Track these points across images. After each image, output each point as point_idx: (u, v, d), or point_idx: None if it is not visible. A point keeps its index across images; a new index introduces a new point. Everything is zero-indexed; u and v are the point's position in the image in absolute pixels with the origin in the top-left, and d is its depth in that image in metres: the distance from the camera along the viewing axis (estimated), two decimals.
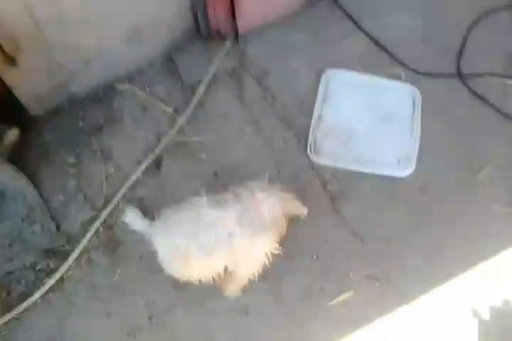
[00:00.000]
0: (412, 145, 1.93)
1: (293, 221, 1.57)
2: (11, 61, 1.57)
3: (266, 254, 1.47)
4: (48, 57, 1.73)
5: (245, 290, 1.58)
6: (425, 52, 2.12)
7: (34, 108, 1.84)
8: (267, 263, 1.47)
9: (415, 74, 2.10)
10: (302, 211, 1.61)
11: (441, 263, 1.69)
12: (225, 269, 1.44)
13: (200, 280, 1.46)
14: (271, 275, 1.58)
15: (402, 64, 2.14)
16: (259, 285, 1.59)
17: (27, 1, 1.47)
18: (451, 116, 2.01)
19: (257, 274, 1.50)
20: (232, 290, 1.59)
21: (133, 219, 1.54)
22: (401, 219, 1.78)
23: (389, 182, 1.85)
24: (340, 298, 1.63)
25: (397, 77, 2.10)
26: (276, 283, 1.63)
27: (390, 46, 2.15)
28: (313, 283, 1.65)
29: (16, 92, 1.76)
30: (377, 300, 1.63)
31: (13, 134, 1.64)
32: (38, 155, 1.78)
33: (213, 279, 1.49)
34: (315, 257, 1.70)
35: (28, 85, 1.78)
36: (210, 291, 1.55)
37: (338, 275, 1.67)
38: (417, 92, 2.04)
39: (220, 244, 1.40)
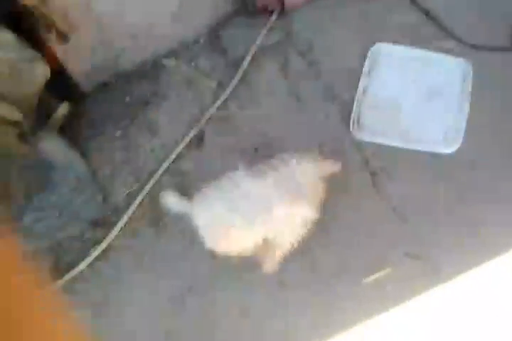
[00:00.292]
0: (459, 121, 1.90)
1: (331, 185, 1.59)
2: (65, 38, 1.66)
3: (305, 223, 1.49)
4: (98, 34, 1.81)
5: (281, 263, 1.62)
6: (480, 24, 2.06)
7: (84, 84, 1.94)
8: (305, 231, 1.49)
9: (468, 47, 2.04)
10: (336, 167, 1.66)
11: (484, 241, 1.66)
12: (265, 240, 1.48)
13: (239, 253, 1.51)
14: (307, 248, 1.62)
15: (454, 37, 2.09)
16: (295, 258, 1.63)
17: None
18: (504, 92, 1.95)
19: (296, 244, 1.53)
20: (271, 264, 1.63)
21: (171, 201, 1.60)
22: (445, 197, 1.77)
23: (434, 159, 1.84)
24: (377, 275, 1.65)
25: (448, 51, 2.04)
26: (312, 256, 1.67)
27: (442, 18, 2.09)
28: (350, 259, 1.68)
29: (69, 68, 1.85)
30: (415, 279, 1.65)
31: (63, 108, 1.74)
32: (87, 128, 1.88)
33: (252, 252, 1.53)
34: (353, 232, 1.71)
35: (79, 62, 1.87)
36: (248, 264, 1.61)
37: (375, 251, 1.69)
38: (469, 66, 1.99)
39: (259, 212, 1.45)
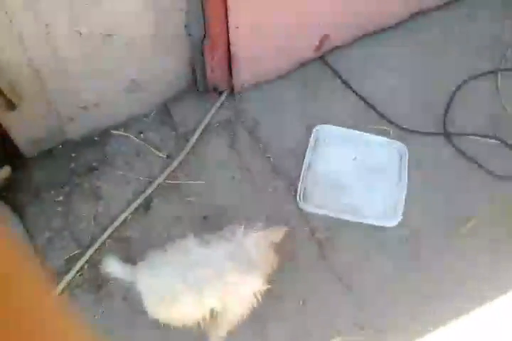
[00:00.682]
0: (398, 197, 2.04)
1: (280, 255, 1.61)
2: (11, 106, 1.70)
3: (255, 294, 1.49)
4: (47, 104, 1.88)
5: (231, 334, 1.57)
6: (412, 111, 2.30)
7: (27, 150, 1.95)
8: (254, 303, 1.48)
9: (402, 131, 2.26)
10: (281, 232, 1.69)
11: (429, 312, 1.71)
12: (212, 311, 1.45)
13: (184, 325, 1.47)
14: (257, 319, 1.59)
15: (389, 121, 2.31)
16: (245, 329, 1.59)
17: (29, 54, 1.62)
18: (437, 172, 2.14)
19: (245, 316, 1.51)
20: (218, 335, 1.58)
21: (113, 268, 1.57)
22: (388, 268, 1.84)
23: (376, 231, 1.93)
24: None
25: (385, 134, 2.24)
26: (263, 327, 1.64)
27: (378, 104, 2.32)
28: (300, 328, 1.66)
29: (12, 135, 1.87)
30: None
31: (4, 172, 1.72)
32: (28, 193, 1.86)
33: (198, 324, 1.49)
34: (301, 303, 1.73)
35: (25, 129, 1.91)
36: (194, 337, 1.54)
37: (325, 321, 1.70)
38: (404, 148, 2.18)
39: (208, 283, 1.43)
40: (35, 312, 0.29)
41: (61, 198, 1.89)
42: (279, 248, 1.64)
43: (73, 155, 2.02)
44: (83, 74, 1.83)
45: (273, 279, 1.59)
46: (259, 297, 1.52)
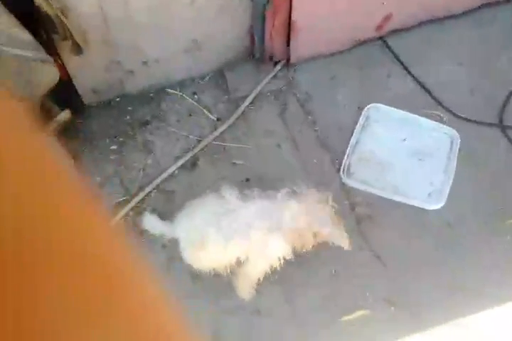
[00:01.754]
0: (444, 183, 2.04)
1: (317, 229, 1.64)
2: (78, 50, 1.78)
3: (279, 257, 1.53)
4: (110, 54, 1.95)
5: (260, 292, 1.64)
6: (469, 100, 2.29)
7: (89, 98, 2.05)
8: (277, 266, 1.53)
9: (457, 119, 2.25)
10: (343, 242, 1.62)
11: (461, 298, 1.73)
12: (238, 261, 1.52)
13: (214, 269, 1.54)
14: (288, 281, 1.65)
15: (445, 108, 2.30)
16: (275, 289, 1.66)
17: (101, 2, 1.70)
18: (487, 162, 2.13)
19: (270, 274, 1.56)
20: (244, 288, 1.65)
21: (152, 224, 1.65)
22: (425, 250, 1.86)
23: (418, 213, 1.95)
24: (354, 315, 1.68)
25: (439, 120, 2.24)
26: (292, 290, 1.70)
27: (435, 90, 2.32)
28: (329, 297, 1.71)
29: (76, 81, 1.96)
30: (391, 324, 1.67)
31: (65, 115, 1.82)
32: (84, 139, 1.96)
33: (226, 272, 1.56)
34: (334, 272, 1.76)
35: (88, 77, 1.99)
36: (225, 287, 1.62)
37: (355, 293, 1.73)
38: (457, 135, 2.18)
39: (238, 232, 1.49)
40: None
41: (114, 147, 1.98)
42: (316, 218, 1.66)
43: (129, 108, 2.11)
44: (148, 28, 1.90)
45: (305, 247, 1.62)
46: (282, 261, 1.56)
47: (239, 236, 1.51)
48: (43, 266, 0.19)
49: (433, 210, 1.98)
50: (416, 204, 1.99)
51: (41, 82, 1.71)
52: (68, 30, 1.71)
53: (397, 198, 2.00)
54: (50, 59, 1.70)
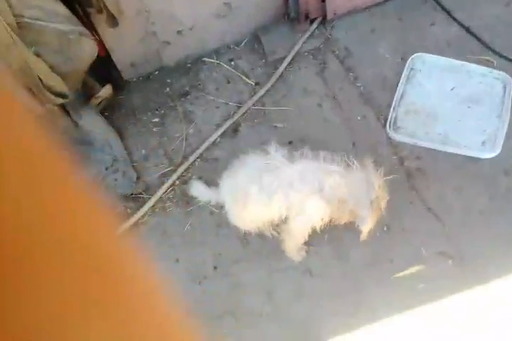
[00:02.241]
0: (499, 129, 1.93)
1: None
2: (113, 22, 1.79)
3: (319, 218, 1.50)
4: (145, 24, 1.94)
5: (309, 251, 1.62)
6: None
7: (128, 73, 2.06)
8: (317, 229, 1.50)
9: (508, 62, 2.10)
10: (364, 230, 1.52)
11: None
12: (280, 219, 1.50)
13: (258, 229, 1.53)
14: (338, 240, 1.63)
15: (494, 52, 2.15)
16: (325, 248, 1.64)
17: None
18: None
19: (314, 234, 1.54)
20: (292, 249, 1.63)
21: (199, 191, 1.65)
22: (480, 201, 1.78)
23: (471, 163, 1.85)
24: (409, 271, 1.63)
25: (488, 65, 2.11)
26: (343, 248, 1.68)
27: (482, 35, 2.17)
28: (382, 253, 1.67)
29: (114, 56, 1.98)
30: (449, 279, 1.62)
31: (106, 90, 1.85)
32: (126, 113, 1.98)
33: (270, 232, 1.55)
34: (385, 228, 1.72)
35: (124, 50, 2.00)
36: (274, 249, 1.62)
37: (408, 248, 1.68)
38: (509, 79, 2.05)
39: (279, 191, 1.46)
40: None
41: (157, 120, 2.01)
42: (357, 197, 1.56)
43: (168, 80, 2.11)
44: None
45: (338, 221, 1.57)
46: (325, 222, 1.53)
47: (280, 195, 1.48)
48: (46, 261, 0.19)
49: (487, 159, 1.88)
50: (469, 154, 1.89)
51: (81, 56, 1.73)
52: (102, 1, 1.71)
53: (448, 149, 1.91)
54: (87, 32, 1.73)
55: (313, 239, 1.63)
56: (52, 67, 1.62)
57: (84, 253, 0.21)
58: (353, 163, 1.52)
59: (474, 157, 1.89)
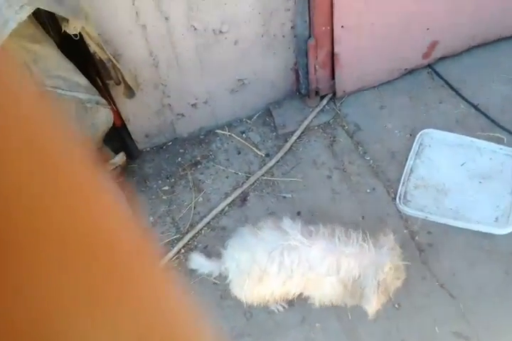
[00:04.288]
0: None
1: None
2: (131, 93, 1.85)
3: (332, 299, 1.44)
4: (161, 97, 2.01)
5: (316, 328, 1.52)
6: None
7: (142, 143, 2.10)
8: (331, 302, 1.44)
9: None
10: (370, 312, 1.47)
11: None
12: (294, 295, 1.43)
13: (262, 303, 1.46)
14: (347, 317, 1.53)
15: (504, 129, 2.15)
16: (334, 325, 1.54)
17: (150, 46, 1.76)
18: None
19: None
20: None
21: (199, 263, 1.61)
22: (495, 278, 1.69)
23: (484, 239, 1.79)
24: None
25: (498, 142, 2.10)
26: (353, 326, 1.57)
27: (490, 112, 2.19)
28: (393, 332, 1.57)
29: (129, 127, 2.02)
30: None
31: (120, 158, 1.86)
32: (138, 181, 1.99)
33: (277, 308, 1.48)
34: (397, 306, 1.62)
35: (140, 121, 2.06)
36: (279, 324, 1.52)
37: (422, 328, 1.58)
38: None
39: (299, 271, 1.41)
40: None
41: (167, 188, 2.00)
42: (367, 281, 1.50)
43: (181, 150, 2.14)
44: (195, 70, 1.95)
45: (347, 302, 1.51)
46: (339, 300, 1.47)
47: (299, 275, 1.43)
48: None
49: (500, 235, 1.81)
50: (482, 230, 1.83)
51: (97, 124, 1.77)
52: (121, 74, 1.78)
53: (460, 224, 1.85)
54: (104, 101, 1.78)
55: (320, 313, 1.54)
56: None
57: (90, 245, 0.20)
58: (368, 243, 1.47)
59: (488, 233, 1.82)
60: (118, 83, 1.79)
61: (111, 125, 1.81)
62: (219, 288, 1.69)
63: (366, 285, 1.38)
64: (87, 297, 0.19)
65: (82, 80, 1.67)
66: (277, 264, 1.42)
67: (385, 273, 1.37)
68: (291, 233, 1.46)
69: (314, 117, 2.26)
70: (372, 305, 1.38)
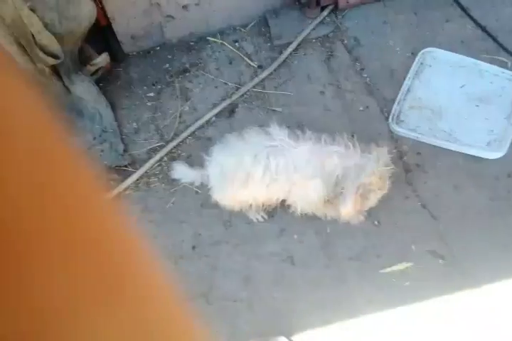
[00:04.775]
0: (507, 130, 1.82)
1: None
2: None
3: (316, 202, 1.41)
4: None
5: (293, 238, 1.52)
6: None
7: (128, 45, 1.98)
8: (317, 209, 1.41)
9: None
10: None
11: None
12: (277, 200, 1.41)
13: (243, 209, 1.44)
14: (325, 231, 1.52)
15: (509, 53, 2.04)
16: (311, 238, 1.53)
17: None
18: None
19: (303, 219, 1.45)
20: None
21: (182, 172, 1.57)
22: (478, 202, 1.67)
23: (473, 162, 1.75)
24: (396, 267, 1.53)
25: (502, 65, 2.00)
26: (330, 240, 1.57)
27: (497, 35, 2.06)
28: (370, 248, 1.57)
29: (115, 27, 1.89)
30: (437, 279, 1.51)
31: (103, 59, 1.76)
32: (122, 86, 1.90)
33: (257, 218, 1.46)
34: (377, 223, 1.61)
35: (126, 21, 1.92)
36: (257, 234, 1.51)
37: (398, 245, 1.58)
38: None
39: (284, 173, 1.37)
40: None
41: (152, 94, 1.91)
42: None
43: (169, 56, 2.02)
44: None
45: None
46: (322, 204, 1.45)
47: (283, 177, 1.39)
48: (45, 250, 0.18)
49: (491, 160, 1.77)
50: (473, 153, 1.79)
51: (78, 17, 1.64)
52: None
53: (451, 146, 1.80)
54: None
55: (299, 226, 1.53)
56: (46, 25, 1.54)
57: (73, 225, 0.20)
58: (354, 145, 1.43)
59: (478, 157, 1.78)
60: None
61: (94, 20, 1.69)
62: (200, 197, 1.66)
63: (346, 186, 1.36)
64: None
65: None
66: (263, 167, 1.39)
67: (367, 177, 1.34)
68: (277, 136, 1.42)
69: (313, 29, 2.12)
70: (347, 206, 1.36)
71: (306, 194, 1.42)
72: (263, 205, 1.48)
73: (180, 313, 0.26)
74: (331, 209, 1.49)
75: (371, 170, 1.35)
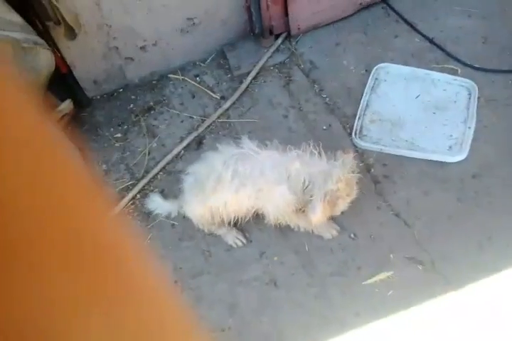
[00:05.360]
0: (465, 133, 1.88)
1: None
2: (72, 34, 1.74)
3: (285, 209, 1.43)
4: (106, 39, 1.91)
5: (274, 262, 1.53)
6: (484, 51, 2.12)
7: (91, 90, 2.02)
8: (290, 212, 1.43)
9: (472, 70, 2.08)
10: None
11: (489, 253, 1.56)
12: (248, 210, 1.43)
13: (221, 217, 1.45)
14: (303, 249, 1.54)
15: (458, 60, 2.13)
16: (291, 258, 1.54)
17: None
18: (508, 111, 1.94)
19: (279, 239, 1.46)
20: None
21: (157, 203, 1.59)
22: (448, 205, 1.70)
23: (438, 168, 1.79)
24: (378, 277, 1.54)
25: (453, 73, 2.07)
26: (310, 258, 1.58)
27: (445, 45, 2.15)
28: (349, 261, 1.59)
29: (76, 73, 1.93)
30: (419, 284, 1.53)
31: (66, 106, 1.78)
32: (89, 130, 1.93)
33: (236, 243, 1.47)
34: (353, 235, 1.63)
35: (87, 66, 1.96)
36: (237, 260, 1.52)
37: (376, 255, 1.60)
38: (474, 85, 2.02)
39: (251, 178, 1.40)
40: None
41: (119, 135, 1.94)
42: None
43: (132, 97, 2.06)
44: (141, 8, 1.84)
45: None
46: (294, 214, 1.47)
47: (250, 182, 1.41)
48: (48, 254, 0.18)
49: (454, 163, 1.82)
50: (436, 159, 1.84)
51: (39, 66, 1.67)
52: (59, 12, 1.67)
53: (415, 154, 1.85)
54: (43, 41, 1.67)
55: (278, 247, 1.54)
56: None
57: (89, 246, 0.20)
58: (320, 152, 1.47)
59: (441, 161, 1.83)
60: (57, 23, 1.69)
61: (53, 69, 1.72)
62: (177, 230, 1.67)
63: (314, 193, 1.38)
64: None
65: (16, 18, 1.56)
66: (231, 171, 1.41)
67: (334, 184, 1.37)
68: (247, 145, 1.46)
69: (269, 57, 2.19)
70: (317, 213, 1.38)
71: (273, 200, 1.44)
72: (234, 217, 1.49)
73: (178, 318, 0.26)
74: (303, 220, 1.51)
75: (338, 177, 1.38)
